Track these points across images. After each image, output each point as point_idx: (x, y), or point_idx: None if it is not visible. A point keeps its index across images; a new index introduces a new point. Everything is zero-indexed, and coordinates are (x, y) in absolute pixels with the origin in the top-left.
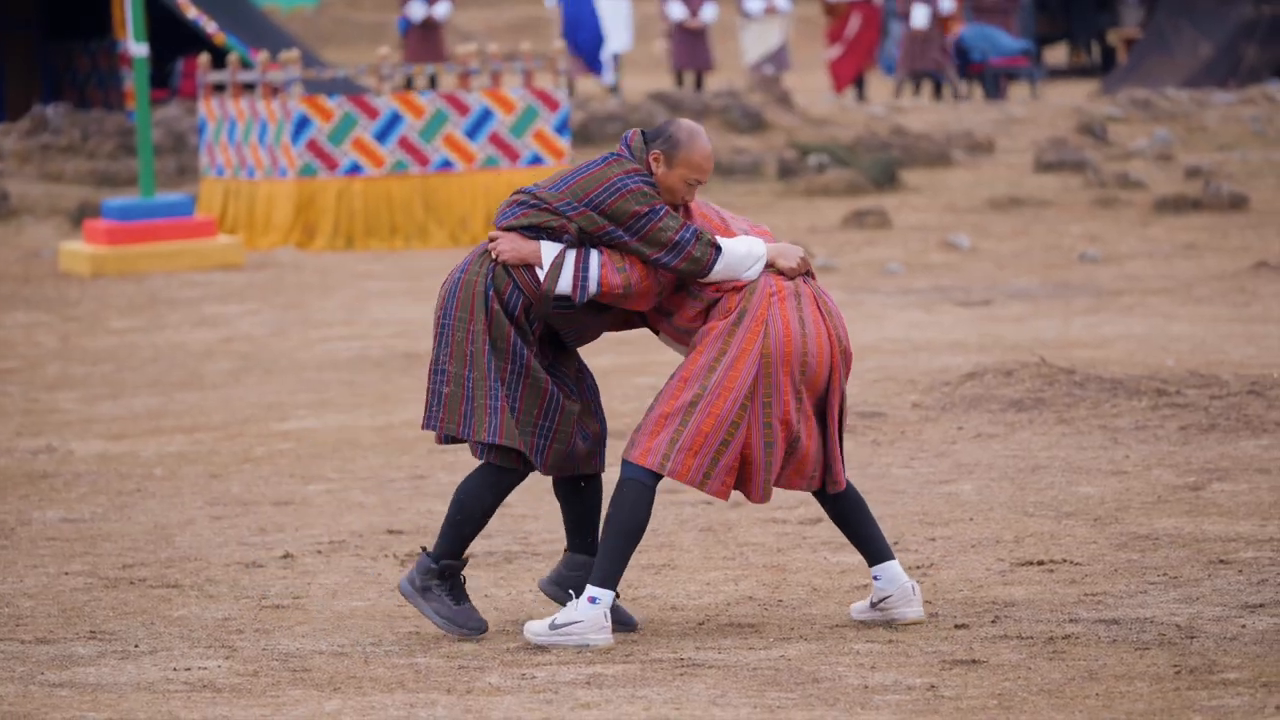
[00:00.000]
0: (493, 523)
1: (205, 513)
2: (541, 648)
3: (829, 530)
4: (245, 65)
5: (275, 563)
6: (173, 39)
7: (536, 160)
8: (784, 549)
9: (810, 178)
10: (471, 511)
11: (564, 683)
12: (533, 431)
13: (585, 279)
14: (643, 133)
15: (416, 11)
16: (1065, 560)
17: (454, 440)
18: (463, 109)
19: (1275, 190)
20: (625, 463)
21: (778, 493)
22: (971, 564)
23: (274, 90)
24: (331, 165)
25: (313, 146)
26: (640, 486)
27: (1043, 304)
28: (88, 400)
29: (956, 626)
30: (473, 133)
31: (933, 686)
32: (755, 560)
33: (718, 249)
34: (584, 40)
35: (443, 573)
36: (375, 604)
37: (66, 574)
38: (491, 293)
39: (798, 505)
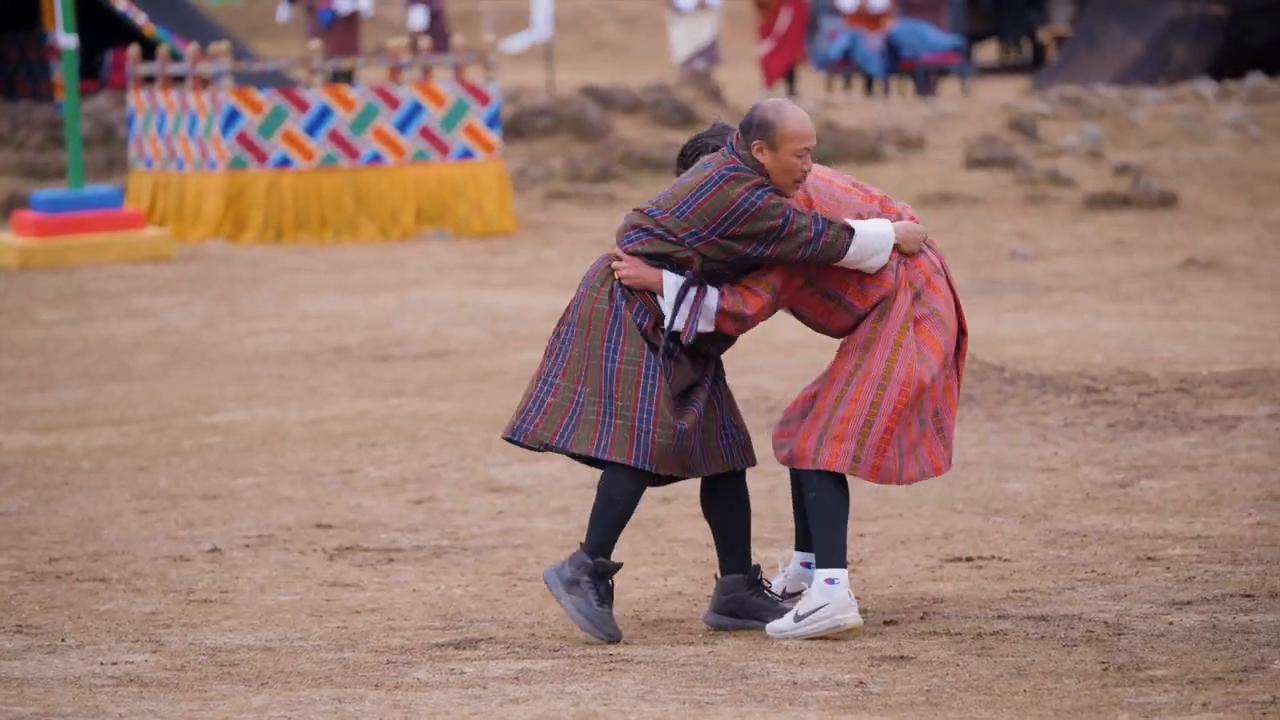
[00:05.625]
0: (420, 516)
1: (133, 506)
2: (470, 642)
3: (755, 526)
4: (175, 57)
5: (203, 556)
6: (102, 30)
7: (467, 154)
8: (713, 544)
9: None
10: (618, 505)
11: (493, 678)
12: (673, 438)
13: (696, 320)
14: (742, 129)
15: (343, 4)
16: (994, 557)
17: (548, 449)
18: (393, 102)
19: (1204, 188)
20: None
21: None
22: (900, 560)
23: (204, 83)
24: (261, 158)
25: (242, 139)
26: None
27: (973, 300)
28: (15, 393)
29: (885, 622)
30: (403, 126)
31: (861, 682)
32: (684, 555)
33: (850, 232)
34: None
35: (595, 570)
36: (303, 598)
37: None
38: (624, 307)
39: None
